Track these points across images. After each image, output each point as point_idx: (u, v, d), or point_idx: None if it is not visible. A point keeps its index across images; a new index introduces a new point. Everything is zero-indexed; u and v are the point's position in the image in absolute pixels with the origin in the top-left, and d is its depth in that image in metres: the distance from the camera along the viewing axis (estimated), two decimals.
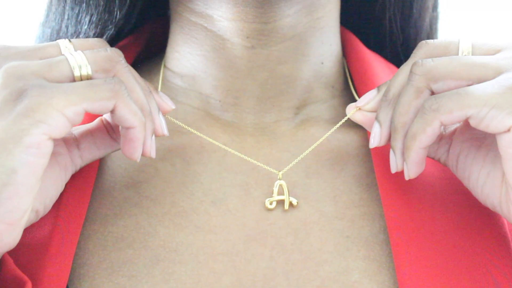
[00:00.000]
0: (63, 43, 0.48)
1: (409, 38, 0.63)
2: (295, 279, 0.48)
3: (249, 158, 0.53)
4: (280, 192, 0.52)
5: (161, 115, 0.50)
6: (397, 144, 0.48)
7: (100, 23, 0.56)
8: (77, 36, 0.57)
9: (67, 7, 0.57)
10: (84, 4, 0.56)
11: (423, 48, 0.49)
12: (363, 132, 0.56)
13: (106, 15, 0.56)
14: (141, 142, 0.47)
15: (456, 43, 0.48)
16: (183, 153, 0.54)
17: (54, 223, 0.48)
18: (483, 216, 0.50)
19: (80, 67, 0.45)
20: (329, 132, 0.54)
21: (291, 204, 0.51)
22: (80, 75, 0.45)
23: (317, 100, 0.57)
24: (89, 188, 0.50)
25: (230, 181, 0.53)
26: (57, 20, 0.58)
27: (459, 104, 0.44)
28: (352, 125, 0.56)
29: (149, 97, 0.49)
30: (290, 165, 0.53)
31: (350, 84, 0.59)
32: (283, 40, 0.54)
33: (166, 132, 0.50)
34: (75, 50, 0.48)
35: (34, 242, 0.47)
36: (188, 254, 0.49)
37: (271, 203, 0.51)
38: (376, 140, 0.49)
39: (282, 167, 0.53)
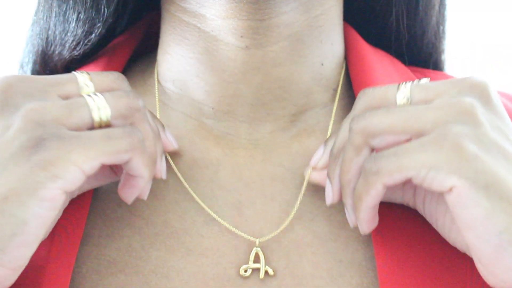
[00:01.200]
0: (82, 78, 0.46)
1: (415, 37, 0.61)
2: None
3: (230, 226, 0.51)
4: (256, 261, 0.49)
5: (163, 158, 0.50)
6: (347, 201, 0.46)
7: (88, 21, 0.55)
8: (65, 35, 0.56)
9: (54, 4, 0.56)
10: (71, 1, 0.55)
11: (362, 99, 0.47)
12: None
13: (94, 13, 0.55)
14: (141, 189, 0.47)
15: (394, 90, 0.46)
16: (176, 168, 0.53)
17: (51, 244, 0.47)
18: None
19: (100, 114, 0.44)
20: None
21: (267, 272, 0.49)
22: (100, 122, 0.44)
23: (316, 105, 0.55)
24: (86, 207, 0.49)
25: (223, 200, 0.52)
26: (45, 18, 0.57)
27: (397, 167, 0.42)
28: None
29: (158, 140, 0.49)
30: (269, 236, 0.50)
31: (345, 86, 0.57)
32: (278, 40, 0.52)
33: (164, 176, 0.50)
34: (95, 88, 0.46)
35: (31, 264, 0.46)
36: (179, 280, 0.48)
37: (245, 271, 0.49)
38: (329, 197, 0.48)
39: (275, 184, 0.52)
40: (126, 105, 0.45)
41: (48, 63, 0.59)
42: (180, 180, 0.52)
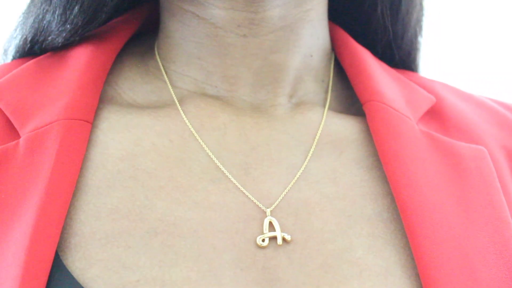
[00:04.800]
0: None
1: (396, 36, 0.62)
2: (297, 257, 0.47)
3: (238, 185, 0.50)
4: (272, 229, 0.48)
5: None
6: None
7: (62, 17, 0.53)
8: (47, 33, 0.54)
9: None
10: None
11: None
12: (362, 118, 0.55)
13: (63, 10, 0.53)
14: None
15: None
16: (181, 130, 0.53)
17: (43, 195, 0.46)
18: (485, 194, 0.50)
19: None
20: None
21: (284, 239, 0.48)
22: None
23: (309, 93, 0.57)
24: (79, 159, 0.48)
25: (230, 161, 0.51)
26: (29, 17, 0.56)
27: None
28: (349, 111, 0.56)
29: None
30: (279, 199, 0.50)
31: (334, 78, 0.58)
32: (273, 30, 0.53)
33: None
34: None
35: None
36: (187, 228, 0.47)
37: (263, 240, 0.48)
38: None
39: (281, 149, 0.52)
40: None
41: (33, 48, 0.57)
42: (186, 140, 0.52)
